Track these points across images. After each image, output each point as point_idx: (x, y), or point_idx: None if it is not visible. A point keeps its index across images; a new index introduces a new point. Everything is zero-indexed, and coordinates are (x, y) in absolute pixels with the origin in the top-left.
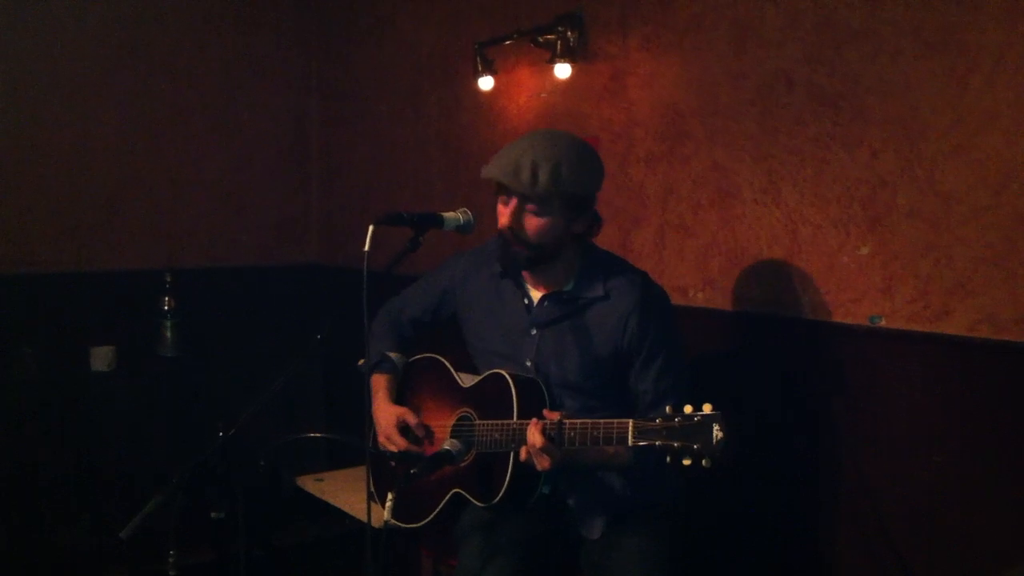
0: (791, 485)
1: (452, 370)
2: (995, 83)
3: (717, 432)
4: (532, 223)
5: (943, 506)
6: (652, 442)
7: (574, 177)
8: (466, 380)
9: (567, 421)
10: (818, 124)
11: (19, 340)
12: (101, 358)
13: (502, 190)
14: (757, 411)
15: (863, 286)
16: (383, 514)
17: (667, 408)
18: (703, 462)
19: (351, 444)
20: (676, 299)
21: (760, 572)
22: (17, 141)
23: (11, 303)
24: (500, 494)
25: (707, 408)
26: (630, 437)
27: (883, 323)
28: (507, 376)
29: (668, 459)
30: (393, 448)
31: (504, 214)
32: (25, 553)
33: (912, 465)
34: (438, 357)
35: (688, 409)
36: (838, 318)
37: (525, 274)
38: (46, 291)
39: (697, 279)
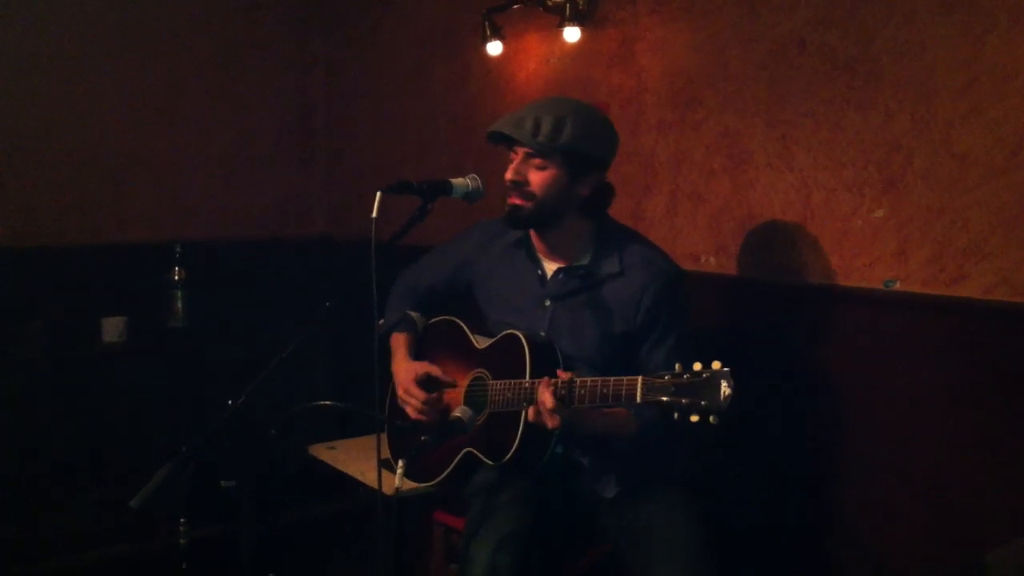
0: (802, 452)
1: (468, 332)
2: (1012, 42)
3: (725, 388)
4: (536, 176)
5: (959, 471)
6: (660, 398)
7: (578, 134)
8: (481, 342)
9: (577, 379)
10: (831, 87)
11: (30, 313)
12: (112, 329)
13: (508, 147)
14: (769, 377)
15: (877, 250)
16: (395, 481)
17: (676, 366)
18: (710, 419)
19: (364, 413)
20: (688, 265)
21: (770, 540)
22: (23, 117)
23: (21, 276)
24: (510, 453)
25: (716, 365)
26: (639, 393)
27: (898, 287)
28: (521, 337)
29: (676, 415)
30: (412, 400)
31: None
32: (37, 526)
33: (928, 430)
34: (455, 319)
35: (697, 366)
36: (852, 282)
37: (539, 246)
38: (55, 264)
39: (709, 245)
